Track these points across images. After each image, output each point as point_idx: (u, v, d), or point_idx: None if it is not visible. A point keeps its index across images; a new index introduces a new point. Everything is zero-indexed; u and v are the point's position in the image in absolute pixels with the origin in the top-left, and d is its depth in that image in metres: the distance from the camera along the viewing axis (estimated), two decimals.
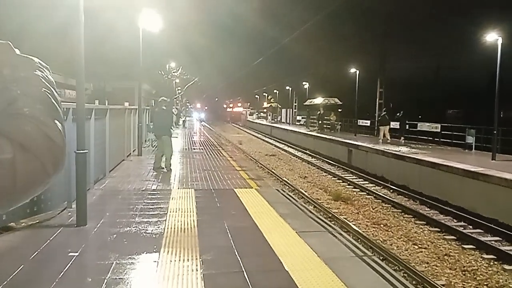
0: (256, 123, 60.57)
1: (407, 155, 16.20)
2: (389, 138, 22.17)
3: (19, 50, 0.83)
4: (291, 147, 31.20)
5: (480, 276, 7.64)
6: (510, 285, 7.27)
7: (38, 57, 0.86)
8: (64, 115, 0.83)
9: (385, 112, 23.13)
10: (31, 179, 0.72)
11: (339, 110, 34.36)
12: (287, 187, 14.84)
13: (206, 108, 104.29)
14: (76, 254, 4.84)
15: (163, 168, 11.32)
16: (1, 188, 0.67)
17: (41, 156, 0.72)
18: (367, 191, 14.76)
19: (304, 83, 48.19)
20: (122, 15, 19.44)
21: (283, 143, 34.21)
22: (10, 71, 0.78)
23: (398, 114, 23.54)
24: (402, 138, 22.43)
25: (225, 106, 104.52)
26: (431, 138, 22.24)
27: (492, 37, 15.58)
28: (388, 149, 17.98)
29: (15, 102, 0.75)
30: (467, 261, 8.32)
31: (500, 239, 9.69)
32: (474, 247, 9.11)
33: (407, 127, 23.54)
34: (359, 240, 8.72)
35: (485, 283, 7.33)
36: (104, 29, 21.98)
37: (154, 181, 9.86)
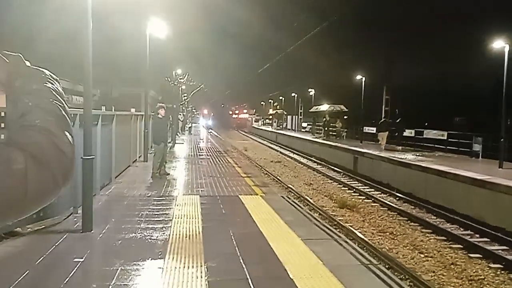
0: (262, 129, 60.61)
1: (413, 162, 16.12)
2: (383, 144, 22.10)
3: (31, 56, 0.85)
4: (296, 154, 31.16)
5: (487, 285, 7.56)
6: None
7: (49, 64, 0.88)
8: (71, 121, 0.85)
9: (384, 119, 23.39)
10: (42, 190, 0.73)
11: (345, 117, 34.30)
12: (292, 194, 14.79)
13: (213, 114, 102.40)
14: (82, 260, 4.85)
15: (167, 173, 11.39)
16: (12, 198, 0.69)
17: (52, 167, 0.74)
18: (372, 199, 14.69)
19: (309, 90, 48.21)
20: (129, 20, 19.60)
21: (288, 150, 34.18)
22: (21, 83, 0.80)
23: (397, 121, 23.54)
24: (400, 147, 22.35)
25: (230, 112, 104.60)
26: (438, 146, 22.12)
27: (499, 44, 15.53)
28: (394, 157, 17.90)
29: (28, 113, 0.77)
30: (474, 270, 8.23)
31: (508, 248, 9.59)
32: (481, 256, 9.02)
33: (404, 134, 23.63)
34: (364, 248, 8.65)
35: None
36: (111, 34, 22.14)
37: (159, 187, 9.88)
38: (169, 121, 12.00)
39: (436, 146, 22.25)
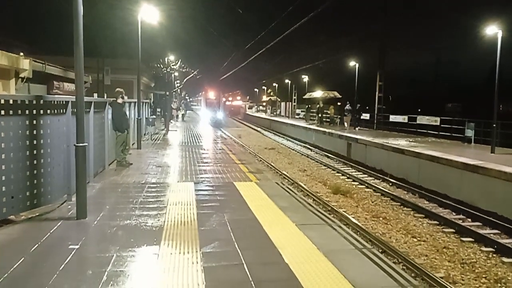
0: (255, 116, 60.51)
1: (406, 148, 16.21)
2: (347, 127, 27.20)
3: None
4: (290, 140, 31.20)
5: (479, 268, 7.68)
6: (509, 278, 7.31)
7: None
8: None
9: (347, 107, 27.77)
10: None
11: (338, 103, 34.33)
12: (287, 180, 14.86)
13: (225, 101, 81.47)
14: (77, 247, 4.85)
15: (128, 163, 10.84)
16: None
17: None
18: (366, 184, 14.79)
19: (303, 76, 48.05)
20: (121, 6, 19.34)
21: (282, 137, 34.22)
22: None
23: (357, 107, 28.66)
24: (358, 128, 27.24)
25: (224, 99, 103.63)
26: (431, 132, 22.24)
27: (492, 30, 15.52)
28: (388, 143, 17.98)
29: None
30: (466, 254, 8.36)
31: (499, 232, 9.74)
32: (473, 239, 9.15)
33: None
34: (358, 233, 8.75)
35: (483, 276, 7.38)
36: (102, 20, 21.84)
37: (153, 174, 9.87)
38: (125, 107, 11.42)
39: (429, 131, 22.38)
